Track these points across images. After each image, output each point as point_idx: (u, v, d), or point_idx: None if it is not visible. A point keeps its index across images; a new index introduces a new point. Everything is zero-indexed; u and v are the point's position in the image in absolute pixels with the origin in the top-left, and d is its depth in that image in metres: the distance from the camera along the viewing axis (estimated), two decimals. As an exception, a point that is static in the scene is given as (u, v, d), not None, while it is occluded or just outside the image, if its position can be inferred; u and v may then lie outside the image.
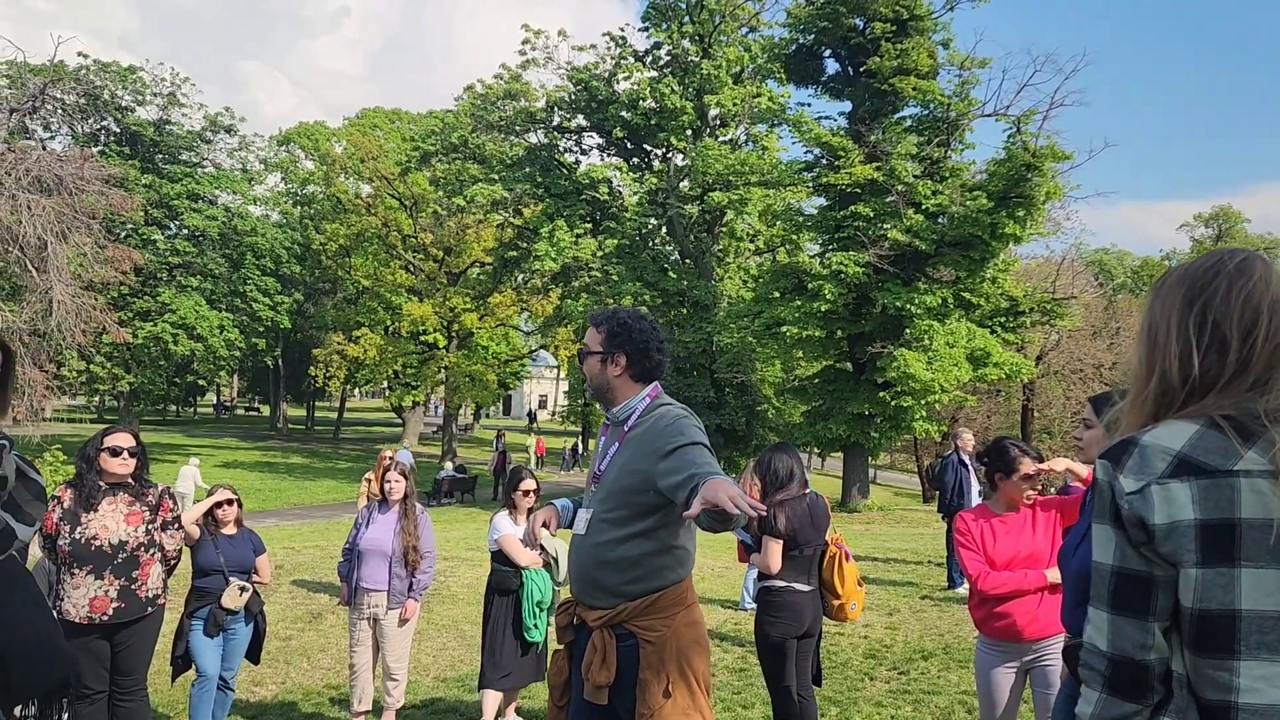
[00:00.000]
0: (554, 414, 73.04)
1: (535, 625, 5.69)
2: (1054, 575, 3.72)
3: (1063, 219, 27.85)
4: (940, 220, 22.53)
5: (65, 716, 4.29)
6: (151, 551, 4.58)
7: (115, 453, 4.54)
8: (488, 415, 68.22)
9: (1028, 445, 4.05)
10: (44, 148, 23.52)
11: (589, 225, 29.73)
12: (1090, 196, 51.64)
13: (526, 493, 5.90)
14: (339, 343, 40.75)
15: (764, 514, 2.53)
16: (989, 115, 23.32)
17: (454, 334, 39.54)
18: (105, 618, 4.40)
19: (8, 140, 17.66)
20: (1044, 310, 24.45)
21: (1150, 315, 1.64)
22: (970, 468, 10.54)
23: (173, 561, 4.78)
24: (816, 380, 25.52)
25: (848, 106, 25.08)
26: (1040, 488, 3.98)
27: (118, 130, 37.70)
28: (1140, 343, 1.65)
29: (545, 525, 3.27)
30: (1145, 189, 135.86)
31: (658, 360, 3.16)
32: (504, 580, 5.74)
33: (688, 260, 30.18)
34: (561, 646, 3.27)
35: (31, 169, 16.18)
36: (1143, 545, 1.51)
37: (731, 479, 2.61)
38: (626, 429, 3.13)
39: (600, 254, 28.32)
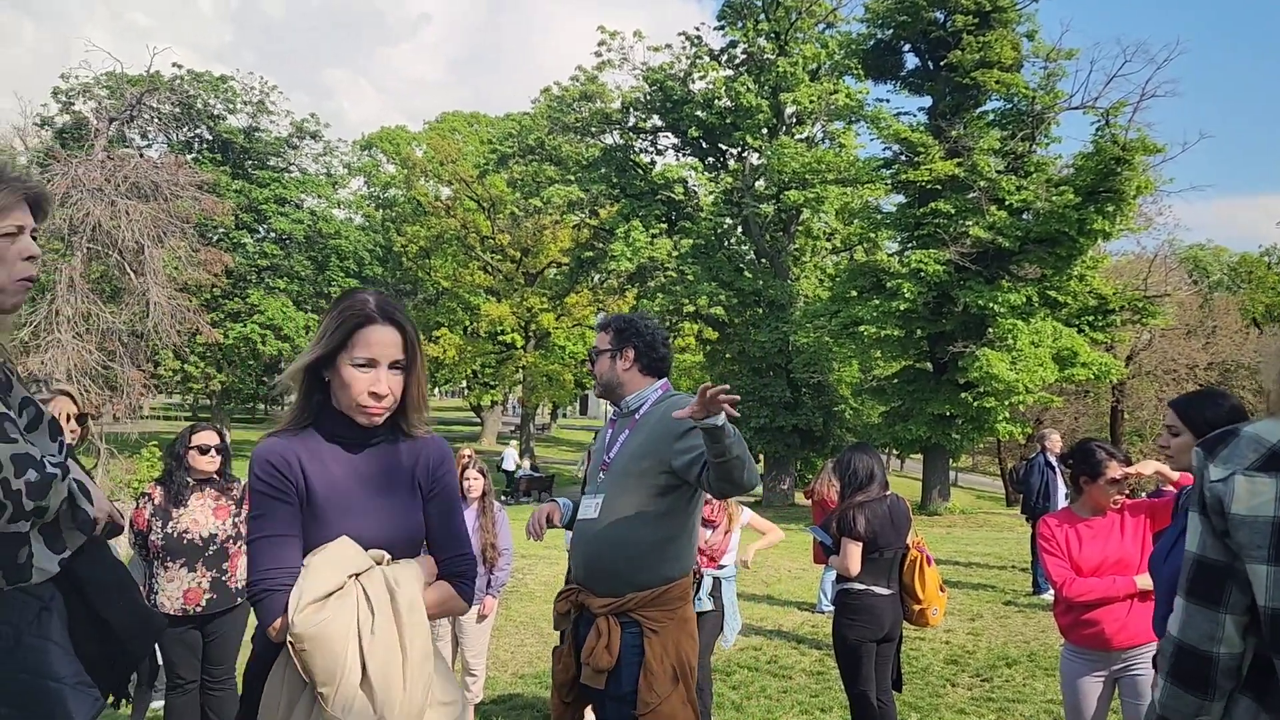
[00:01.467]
0: (629, 414, 73.25)
1: (613, 624, 5.69)
2: (1144, 581, 3.60)
3: (1154, 214, 26.81)
4: (1025, 216, 21.95)
5: (158, 684, 4.45)
6: (239, 544, 4.73)
7: (203, 450, 4.71)
8: (564, 415, 68.82)
9: (1114, 447, 3.93)
10: (140, 155, 24.54)
11: (664, 225, 29.76)
12: (1184, 190, 49.87)
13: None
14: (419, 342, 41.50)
15: (735, 399, 2.61)
16: (1076, 108, 22.62)
17: (531, 334, 40.00)
18: (199, 609, 4.56)
19: (108, 148, 18.50)
20: (1135, 309, 23.64)
21: None
22: (1057, 470, 10.26)
23: None
24: (895, 380, 25.10)
25: (928, 101, 24.60)
26: (1129, 491, 3.86)
27: (210, 138, 39.06)
28: None
29: (549, 520, 3.35)
30: (1244, 182, 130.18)
31: (664, 354, 3.29)
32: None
33: (763, 260, 29.98)
34: (564, 644, 3.31)
35: (130, 176, 16.91)
36: (1225, 535, 1.49)
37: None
38: (639, 416, 3.21)
39: (675, 254, 28.32)
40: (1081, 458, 3.87)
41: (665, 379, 3.32)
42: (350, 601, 1.90)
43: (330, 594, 1.88)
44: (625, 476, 3.12)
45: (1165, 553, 2.97)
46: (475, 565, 2.23)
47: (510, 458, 30.44)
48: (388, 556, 2.05)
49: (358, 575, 1.95)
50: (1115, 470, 3.74)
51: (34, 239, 1.87)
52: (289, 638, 1.86)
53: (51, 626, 1.77)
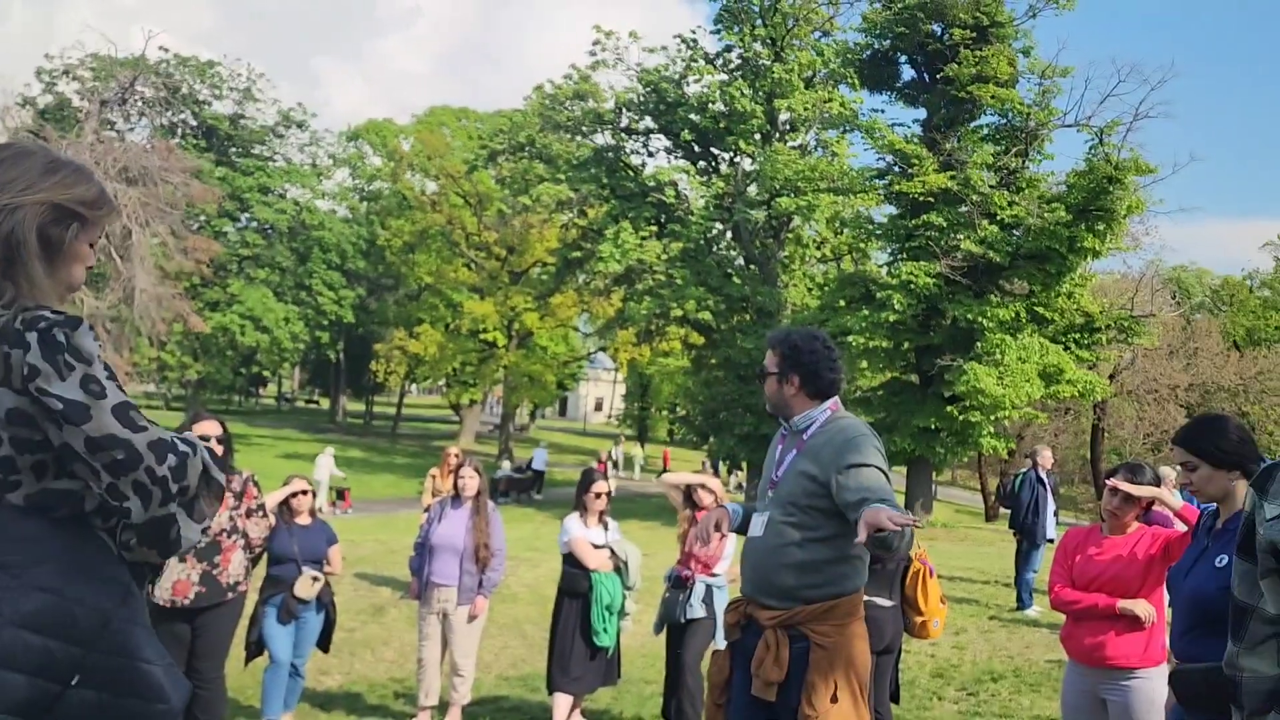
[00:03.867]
0: (610, 417, 73.18)
1: (604, 629, 5.60)
2: (1128, 606, 3.59)
3: (1142, 234, 27.01)
4: (1015, 232, 22.04)
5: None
6: (234, 538, 4.60)
7: (203, 440, 4.56)
8: (543, 416, 68.60)
9: (1147, 466, 3.90)
10: (122, 139, 24.20)
11: (654, 228, 29.65)
12: (1173, 212, 50.49)
13: (598, 495, 5.85)
14: (400, 338, 41.26)
15: (919, 524, 2.61)
16: (1070, 126, 22.81)
17: (514, 333, 39.80)
18: (186, 601, 4.43)
19: (96, 131, 18.20)
20: (1120, 328, 23.79)
21: None
22: (1048, 485, 10.23)
23: (258, 549, 4.80)
24: (881, 392, 25.13)
25: (922, 114, 24.68)
26: (1142, 512, 3.81)
27: (194, 123, 38.69)
28: None
29: (718, 527, 3.35)
30: (1230, 205, 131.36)
31: (830, 379, 3.31)
32: (573, 582, 5.69)
33: (753, 266, 29.95)
34: (725, 645, 3.38)
35: (119, 159, 16.62)
36: (1270, 574, 1.55)
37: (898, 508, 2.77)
38: (805, 437, 3.25)
39: (664, 257, 28.23)
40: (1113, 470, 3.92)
41: (834, 398, 3.34)
42: None
43: None
44: (790, 498, 3.17)
45: (1185, 571, 2.98)
46: None
47: (540, 457, 30.71)
48: None
49: None
50: (1112, 480, 3.75)
51: None
52: None
53: (137, 609, 1.78)
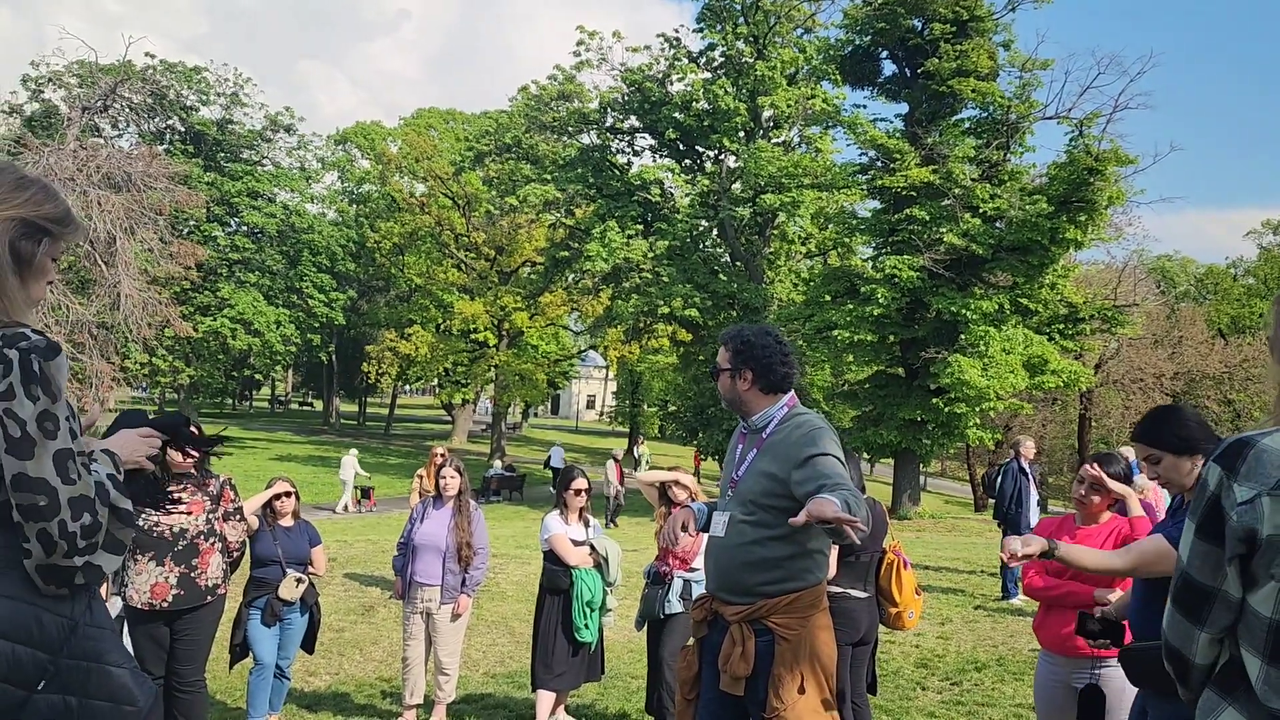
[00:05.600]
0: (601, 415, 73.20)
1: (586, 625, 5.66)
2: (1104, 595, 3.57)
3: (1124, 225, 27.15)
4: (998, 225, 22.17)
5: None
6: (212, 540, 4.66)
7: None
8: (535, 414, 68.62)
9: (1119, 457, 3.90)
10: (110, 145, 24.12)
11: (640, 226, 29.73)
12: (1154, 202, 50.58)
13: (578, 492, 5.88)
14: (391, 340, 41.26)
15: (865, 530, 2.62)
16: (1050, 118, 22.94)
17: (504, 333, 39.85)
18: (165, 604, 4.49)
19: (79, 138, 18.14)
20: (1104, 318, 23.93)
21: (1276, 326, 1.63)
22: (1030, 476, 10.32)
23: (236, 553, 4.86)
24: (867, 385, 25.24)
25: (904, 108, 24.78)
26: (1111, 502, 3.80)
27: (182, 129, 38.52)
28: (1272, 350, 1.64)
29: (684, 527, 3.36)
30: (1213, 195, 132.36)
31: (783, 373, 3.30)
32: (554, 580, 5.73)
33: (738, 263, 30.04)
34: (691, 642, 3.41)
35: (102, 166, 16.59)
36: (1236, 559, 1.47)
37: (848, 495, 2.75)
38: (765, 435, 3.26)
39: (651, 255, 28.31)
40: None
41: (790, 394, 3.35)
42: None
43: None
44: (751, 497, 3.19)
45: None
46: None
47: (558, 455, 30.82)
48: None
49: None
50: (1086, 467, 3.78)
51: None
52: None
53: (101, 614, 1.82)
